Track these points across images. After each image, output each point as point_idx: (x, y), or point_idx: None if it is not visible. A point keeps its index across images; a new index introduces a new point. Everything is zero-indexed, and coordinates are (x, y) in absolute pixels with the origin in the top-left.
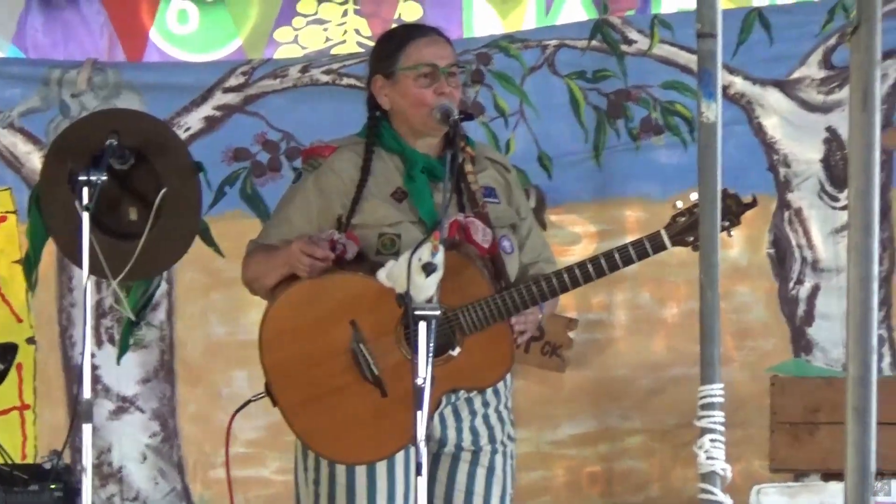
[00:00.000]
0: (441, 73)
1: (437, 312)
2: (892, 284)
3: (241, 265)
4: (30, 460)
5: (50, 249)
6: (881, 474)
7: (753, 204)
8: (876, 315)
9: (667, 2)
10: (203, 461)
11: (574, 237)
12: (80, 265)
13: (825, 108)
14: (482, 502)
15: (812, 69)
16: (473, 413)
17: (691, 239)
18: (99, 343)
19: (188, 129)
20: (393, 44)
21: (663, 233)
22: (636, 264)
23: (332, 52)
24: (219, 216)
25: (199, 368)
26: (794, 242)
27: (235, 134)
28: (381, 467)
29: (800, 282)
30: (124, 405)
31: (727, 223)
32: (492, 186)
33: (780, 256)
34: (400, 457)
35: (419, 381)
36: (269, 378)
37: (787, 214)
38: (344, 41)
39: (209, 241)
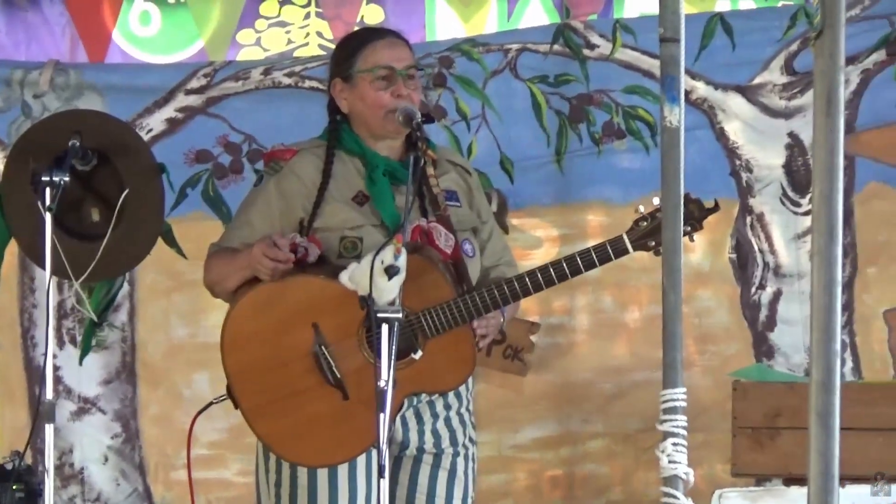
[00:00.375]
0: (399, 75)
1: (400, 315)
2: (854, 290)
3: (203, 268)
4: None
5: (12, 250)
6: (844, 479)
7: (716, 209)
8: (839, 320)
9: (629, 6)
10: (164, 462)
11: (536, 241)
12: (42, 266)
13: (787, 114)
14: None
15: (774, 74)
16: (435, 416)
17: (653, 244)
18: (61, 344)
19: (150, 130)
20: (350, 47)
21: (625, 237)
22: (598, 268)
23: (295, 54)
24: (181, 218)
25: (160, 370)
26: (756, 247)
27: (197, 136)
28: (343, 470)
29: (762, 287)
30: (86, 406)
31: (689, 228)
32: (453, 190)
33: (743, 261)
34: (361, 459)
35: (381, 384)
36: (231, 381)
37: (749, 219)
38: (306, 44)
39: (171, 242)
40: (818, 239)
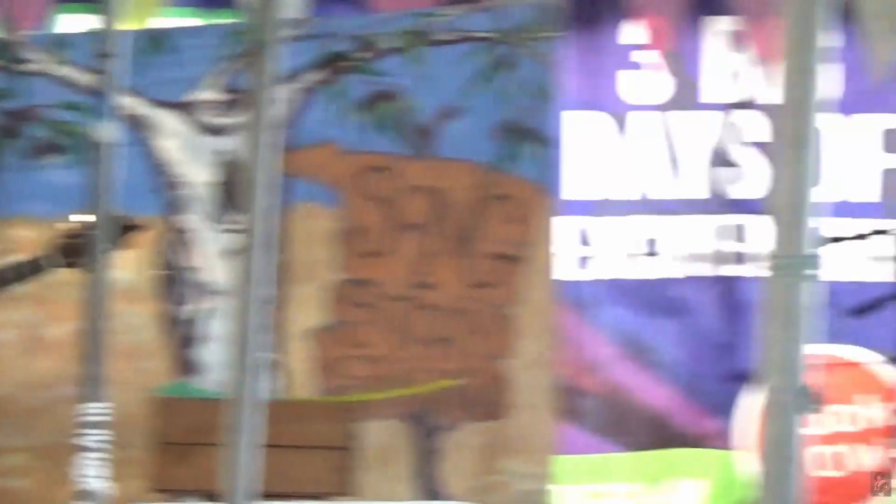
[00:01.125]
0: None
1: None
2: (282, 308)
3: None
4: None
5: None
6: (268, 496)
7: (141, 228)
8: (260, 337)
9: (69, 22)
10: None
11: None
12: None
13: (222, 131)
14: None
15: (211, 92)
16: None
17: (76, 261)
18: None
19: None
20: None
21: (50, 255)
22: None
23: None
24: None
25: None
26: (183, 264)
27: None
28: None
29: (187, 303)
30: None
31: (114, 246)
32: None
33: (169, 278)
34: None
35: None
36: None
37: (177, 236)
38: None
39: None
40: (246, 256)
